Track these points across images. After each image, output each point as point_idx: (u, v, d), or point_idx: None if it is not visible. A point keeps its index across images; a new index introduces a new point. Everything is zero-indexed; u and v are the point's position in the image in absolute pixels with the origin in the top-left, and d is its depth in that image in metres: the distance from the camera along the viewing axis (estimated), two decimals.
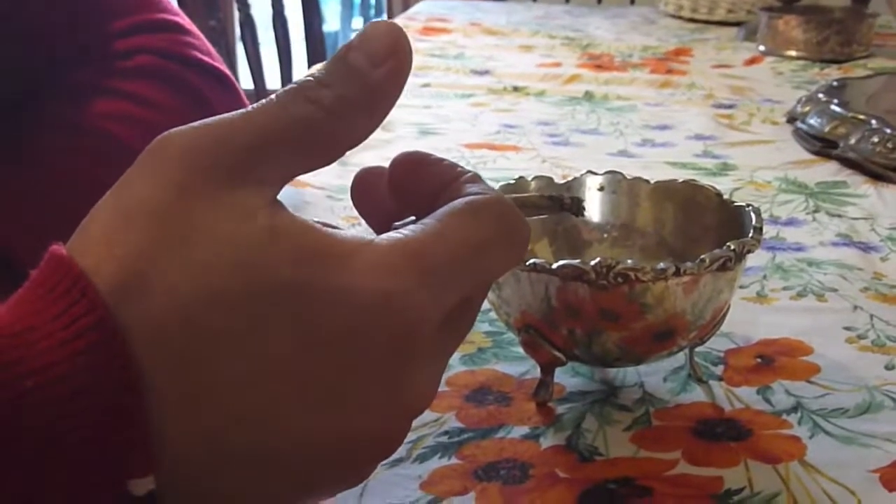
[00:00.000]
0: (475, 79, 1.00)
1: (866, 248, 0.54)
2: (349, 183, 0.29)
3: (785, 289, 0.49)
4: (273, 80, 1.68)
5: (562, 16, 1.58)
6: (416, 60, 1.07)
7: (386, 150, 0.71)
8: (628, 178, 0.44)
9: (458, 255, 0.24)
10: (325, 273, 0.22)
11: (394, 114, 0.73)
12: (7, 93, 0.49)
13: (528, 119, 0.82)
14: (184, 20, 0.55)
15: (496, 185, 0.37)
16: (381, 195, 0.28)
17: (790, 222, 0.58)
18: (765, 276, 0.50)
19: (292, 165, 0.24)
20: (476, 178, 0.27)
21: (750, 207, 0.39)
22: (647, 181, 0.44)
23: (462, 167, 0.27)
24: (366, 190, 0.28)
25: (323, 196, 0.62)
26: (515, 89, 0.95)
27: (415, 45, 1.16)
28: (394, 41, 0.25)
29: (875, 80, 0.89)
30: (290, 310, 0.21)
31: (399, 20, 1.48)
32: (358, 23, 3.69)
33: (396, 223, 0.27)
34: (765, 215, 0.47)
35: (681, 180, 0.43)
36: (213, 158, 0.22)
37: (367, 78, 0.24)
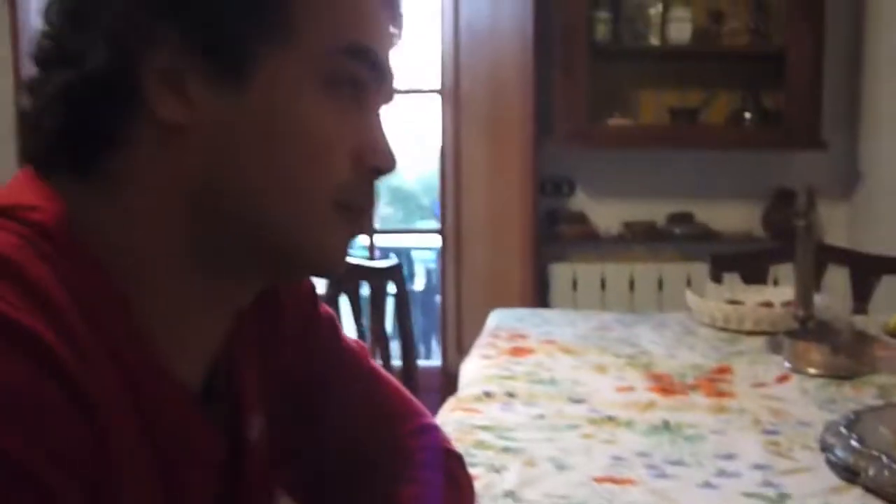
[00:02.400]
0: (574, 408, 1.31)
1: None
2: None
3: None
4: None
5: (615, 326, 1.93)
6: (523, 387, 1.40)
7: (542, 484, 1.00)
8: None
9: None
10: None
11: (533, 448, 1.11)
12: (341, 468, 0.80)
13: (630, 451, 1.12)
14: (432, 419, 0.86)
15: None
16: None
17: None
18: None
19: None
20: None
21: None
22: None
23: None
24: None
25: None
26: (609, 419, 1.25)
27: (513, 368, 1.50)
28: None
29: (885, 412, 1.19)
30: None
31: (485, 338, 1.82)
32: None
33: None
34: None
35: None
36: None
37: None
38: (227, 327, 0.67)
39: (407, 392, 0.87)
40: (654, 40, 3.34)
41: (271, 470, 0.76)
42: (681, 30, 3.26)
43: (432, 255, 5.31)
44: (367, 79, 0.64)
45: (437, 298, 5.23)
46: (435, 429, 0.86)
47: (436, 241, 4.01)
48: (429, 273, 5.54)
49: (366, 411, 0.83)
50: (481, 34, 3.36)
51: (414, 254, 5.53)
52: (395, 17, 0.66)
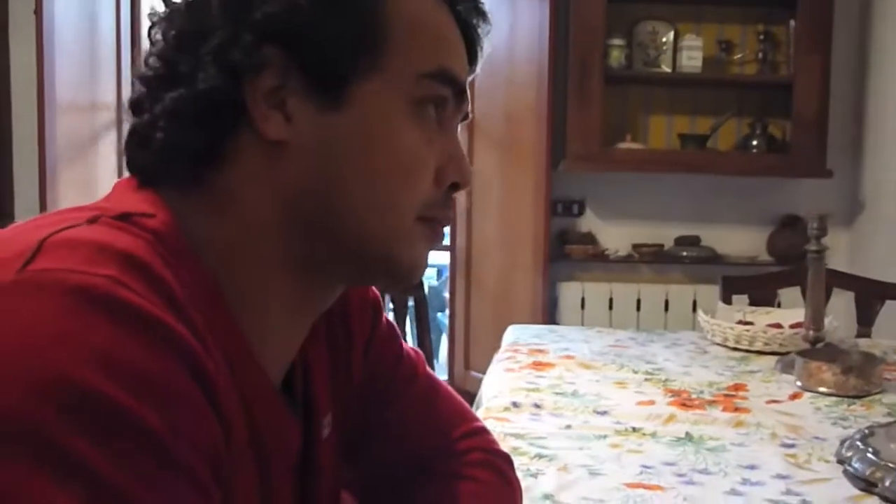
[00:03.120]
0: (600, 419, 1.37)
1: None
2: None
3: None
4: None
5: (629, 343, 1.99)
6: (548, 398, 1.46)
7: (578, 488, 1.07)
8: None
9: None
10: None
11: (566, 456, 1.17)
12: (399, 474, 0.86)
13: (657, 460, 1.18)
14: (482, 422, 0.93)
15: None
16: None
17: None
18: None
19: None
20: None
21: None
22: None
23: None
24: None
25: None
26: (634, 430, 1.32)
27: (537, 381, 1.57)
28: None
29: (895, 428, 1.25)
30: None
31: (505, 351, 1.88)
32: None
33: None
34: None
35: None
36: None
37: None
38: (304, 332, 0.73)
39: (459, 397, 0.93)
40: (666, 67, 3.42)
41: (338, 470, 0.81)
42: (692, 58, 3.35)
43: (433, 273, 5.38)
44: (450, 100, 0.68)
45: (439, 315, 5.29)
46: (485, 431, 0.92)
47: (444, 258, 4.08)
48: (430, 290, 5.60)
49: (422, 415, 0.89)
50: (498, 60, 3.44)
51: None
52: (473, 45, 0.72)
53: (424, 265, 0.72)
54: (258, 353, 0.66)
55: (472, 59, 0.72)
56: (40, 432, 0.47)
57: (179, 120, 0.63)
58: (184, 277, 0.58)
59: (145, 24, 0.68)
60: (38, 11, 2.98)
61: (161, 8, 0.67)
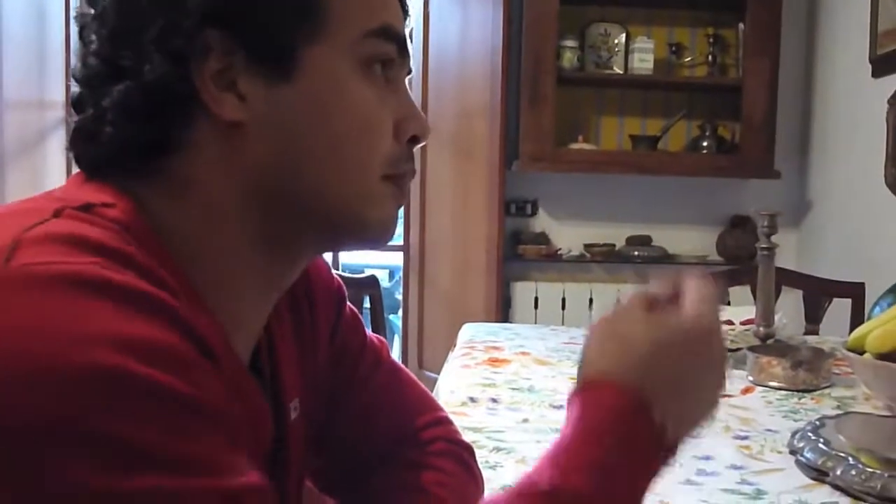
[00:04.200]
0: (556, 413, 1.38)
1: None
2: None
3: None
4: None
5: (583, 340, 2.00)
6: (505, 393, 1.47)
7: None
8: None
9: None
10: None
11: (523, 449, 1.17)
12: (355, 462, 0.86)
13: None
14: (446, 412, 0.93)
15: None
16: None
17: None
18: None
19: None
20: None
21: None
22: None
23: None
24: None
25: None
26: None
27: (493, 377, 1.57)
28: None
29: (844, 420, 1.28)
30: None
31: (461, 349, 1.89)
32: None
33: None
34: None
35: None
36: None
37: None
38: (270, 309, 0.72)
39: (422, 386, 0.93)
40: (618, 69, 3.46)
41: (304, 456, 0.81)
42: (643, 60, 3.39)
43: (385, 274, 5.37)
44: (395, 56, 0.68)
45: (391, 317, 5.29)
46: (449, 422, 0.92)
47: (396, 258, 4.07)
48: (383, 291, 5.57)
49: (386, 403, 0.89)
50: (450, 59, 3.44)
51: (367, 272, 5.55)
52: None
53: (394, 223, 0.72)
54: (231, 337, 0.66)
55: (405, 11, 0.72)
56: (81, 427, 0.47)
57: (129, 113, 0.62)
58: (155, 265, 0.58)
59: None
60: None
61: (87, 9, 0.65)
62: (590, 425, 0.64)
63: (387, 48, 0.67)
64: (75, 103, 0.65)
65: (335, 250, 0.77)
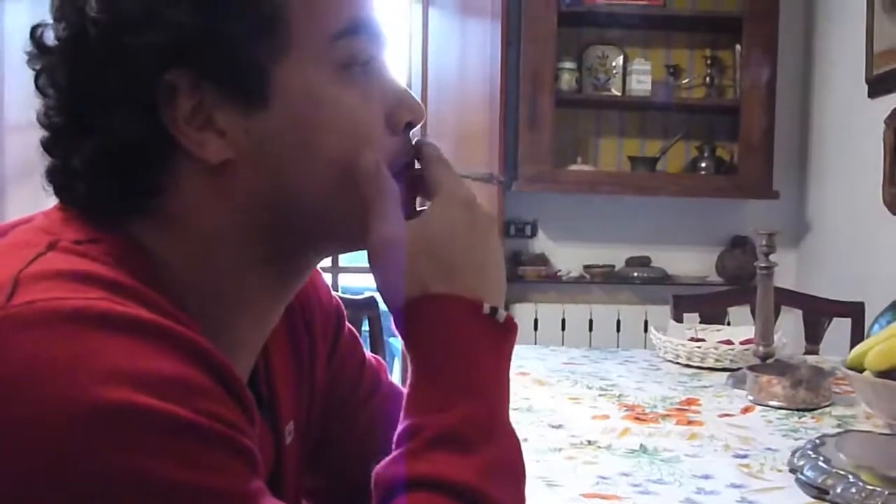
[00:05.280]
0: (555, 433, 1.38)
1: None
2: None
3: None
4: None
5: (583, 361, 2.00)
6: None
7: (534, 499, 1.07)
8: None
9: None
10: None
11: (525, 468, 1.12)
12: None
13: (613, 471, 1.19)
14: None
15: None
16: None
17: None
18: None
19: None
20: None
21: None
22: None
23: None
24: None
25: None
26: (589, 443, 1.32)
27: None
28: None
29: (845, 438, 1.28)
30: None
31: None
32: None
33: None
34: None
35: None
36: None
37: None
38: (269, 331, 0.72)
39: None
40: (616, 91, 3.47)
41: (300, 478, 0.81)
42: (640, 81, 3.40)
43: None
44: (371, 47, 0.64)
45: (391, 340, 5.26)
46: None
47: None
48: (382, 314, 5.55)
49: (384, 425, 0.89)
50: (449, 81, 3.46)
51: (366, 294, 5.54)
52: None
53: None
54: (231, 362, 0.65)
55: None
56: (102, 464, 0.47)
57: (104, 172, 0.60)
58: (157, 297, 0.57)
59: None
60: None
61: (36, 57, 0.62)
62: (435, 350, 0.64)
63: (359, 45, 0.63)
64: (47, 147, 0.62)
65: (344, 253, 0.76)
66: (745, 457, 1.27)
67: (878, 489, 1.04)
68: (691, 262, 3.59)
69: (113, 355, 0.49)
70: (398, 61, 3.65)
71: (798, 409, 1.55)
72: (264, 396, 0.74)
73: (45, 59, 0.61)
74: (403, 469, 0.59)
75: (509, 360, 0.66)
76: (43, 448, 0.47)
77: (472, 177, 0.75)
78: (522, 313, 3.43)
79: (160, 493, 0.48)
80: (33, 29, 0.62)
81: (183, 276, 0.62)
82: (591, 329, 3.45)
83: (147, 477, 0.48)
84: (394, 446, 0.61)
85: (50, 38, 0.61)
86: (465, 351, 0.63)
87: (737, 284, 3.35)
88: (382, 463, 0.61)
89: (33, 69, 0.62)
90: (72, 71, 0.60)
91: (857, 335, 2.26)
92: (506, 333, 0.66)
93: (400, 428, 0.62)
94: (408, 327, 0.64)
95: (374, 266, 0.65)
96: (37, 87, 0.62)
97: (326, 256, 0.74)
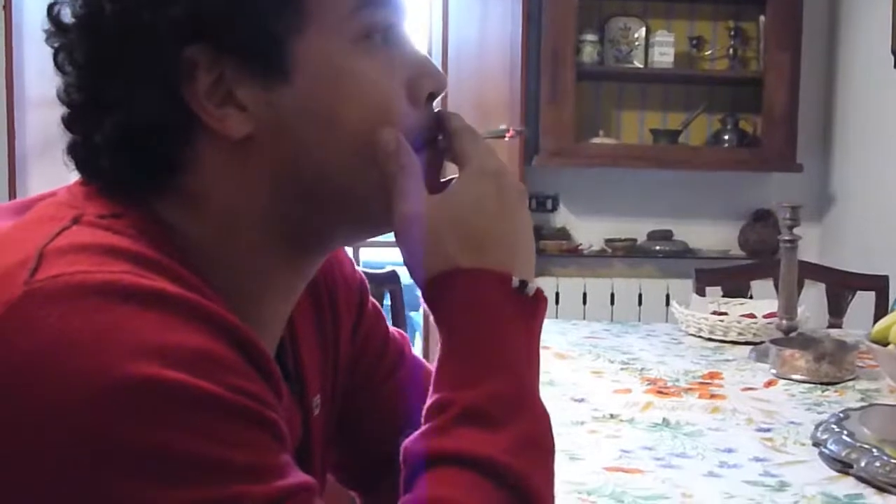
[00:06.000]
0: (577, 406, 1.38)
1: None
2: None
3: None
4: None
5: (604, 335, 2.00)
6: None
7: (558, 473, 1.07)
8: None
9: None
10: None
11: None
12: None
13: (635, 444, 1.19)
14: None
15: None
16: None
17: None
18: None
19: None
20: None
21: None
22: None
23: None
24: None
25: None
26: (612, 416, 1.32)
27: None
28: None
29: (868, 412, 1.27)
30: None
31: None
32: None
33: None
34: None
35: None
36: None
37: None
38: (293, 306, 0.72)
39: None
40: (638, 63, 3.45)
41: (326, 451, 0.81)
42: (663, 54, 3.37)
43: (406, 270, 5.34)
44: (391, 15, 0.64)
45: (412, 314, 5.28)
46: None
47: None
48: (404, 288, 5.56)
49: (407, 397, 0.89)
50: (470, 55, 3.44)
51: (388, 268, 5.54)
52: None
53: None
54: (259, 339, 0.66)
55: None
56: (130, 443, 0.47)
57: (125, 149, 0.59)
58: (183, 271, 0.57)
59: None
60: (7, 5, 2.96)
61: (55, 34, 0.62)
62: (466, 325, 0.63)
63: (380, 15, 0.63)
64: (67, 123, 0.62)
65: (372, 236, 0.75)
66: (768, 430, 1.27)
67: None
68: (714, 236, 3.57)
69: (140, 330, 0.49)
70: (418, 34, 3.64)
71: (821, 383, 1.54)
72: (291, 370, 0.75)
73: (63, 36, 0.61)
74: (431, 444, 0.59)
75: (539, 334, 0.66)
76: (71, 423, 0.47)
77: (490, 135, 0.73)
78: (544, 287, 3.39)
79: (187, 467, 0.48)
80: (50, 6, 0.61)
81: (206, 252, 0.62)
82: (612, 303, 3.45)
83: (174, 451, 0.48)
84: (423, 420, 0.61)
85: (67, 15, 0.60)
86: (494, 326, 0.62)
87: (759, 258, 3.33)
88: (411, 438, 0.60)
89: (52, 47, 0.62)
90: (89, 49, 0.59)
91: (882, 309, 2.25)
92: (535, 307, 0.65)
93: (429, 402, 0.61)
94: (437, 302, 0.64)
95: (401, 242, 0.64)
96: (56, 64, 0.62)
97: (351, 240, 0.73)
